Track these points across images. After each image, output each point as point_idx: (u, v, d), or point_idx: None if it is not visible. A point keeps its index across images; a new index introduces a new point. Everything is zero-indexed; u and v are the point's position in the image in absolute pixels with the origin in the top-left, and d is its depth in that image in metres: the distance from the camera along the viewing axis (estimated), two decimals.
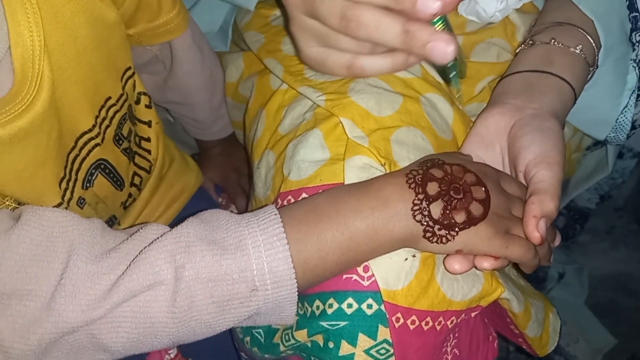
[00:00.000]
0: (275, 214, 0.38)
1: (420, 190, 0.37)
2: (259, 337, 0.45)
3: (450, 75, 0.40)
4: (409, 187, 0.37)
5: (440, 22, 0.37)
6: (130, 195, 0.56)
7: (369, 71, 0.40)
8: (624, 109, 0.54)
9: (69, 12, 0.40)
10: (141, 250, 0.36)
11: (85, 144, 0.46)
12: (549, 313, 0.52)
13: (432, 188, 0.38)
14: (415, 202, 0.37)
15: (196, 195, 0.68)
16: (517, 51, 0.50)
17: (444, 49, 0.36)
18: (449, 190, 0.38)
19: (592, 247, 1.24)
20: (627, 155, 0.98)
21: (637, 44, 0.52)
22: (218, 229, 0.38)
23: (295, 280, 0.37)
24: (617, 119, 0.55)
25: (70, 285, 0.35)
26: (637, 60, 0.52)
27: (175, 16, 0.56)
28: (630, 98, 0.53)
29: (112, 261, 0.36)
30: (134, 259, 0.36)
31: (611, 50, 0.49)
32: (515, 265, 0.44)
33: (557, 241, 0.44)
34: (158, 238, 0.37)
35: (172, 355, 0.66)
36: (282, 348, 0.43)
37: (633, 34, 0.51)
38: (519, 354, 1.11)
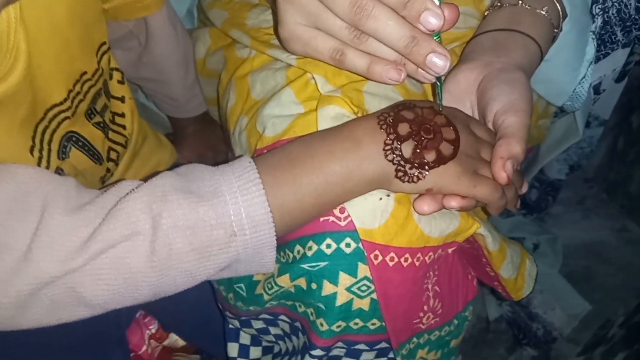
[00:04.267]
0: (250, 162, 0.39)
1: (392, 130, 0.38)
2: (241, 291, 0.45)
3: (437, 90, 0.41)
4: (381, 128, 0.39)
5: (437, 36, 0.38)
6: (108, 170, 0.56)
7: (348, 63, 0.41)
8: (581, 79, 0.56)
9: None
10: (117, 202, 0.37)
11: (55, 116, 0.47)
12: (526, 259, 0.54)
13: (403, 128, 0.39)
14: (387, 142, 0.38)
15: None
16: (486, 14, 0.51)
17: (442, 64, 0.37)
18: (420, 130, 0.39)
19: (565, 218, 1.28)
20: (594, 124, 1.01)
21: (596, 16, 0.54)
22: (193, 180, 0.38)
23: (273, 224, 0.37)
24: (575, 89, 0.57)
25: (46, 236, 0.35)
26: (595, 32, 0.54)
27: None
28: (587, 69, 0.56)
29: (88, 214, 0.36)
30: (110, 211, 0.36)
31: (576, 22, 0.51)
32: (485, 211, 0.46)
33: (524, 188, 0.46)
34: (133, 190, 0.37)
35: (154, 331, 0.67)
36: (265, 297, 0.44)
37: (593, 6, 0.54)
38: (499, 323, 1.14)
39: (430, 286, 0.45)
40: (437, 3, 0.36)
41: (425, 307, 0.45)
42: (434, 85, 0.42)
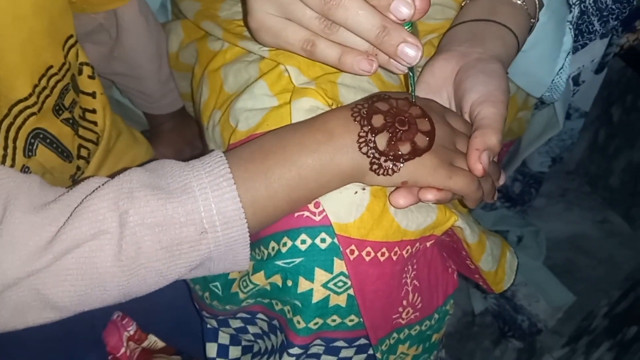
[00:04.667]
0: (221, 156, 0.38)
1: (366, 122, 0.38)
2: (217, 290, 0.44)
3: (410, 81, 0.40)
4: (354, 120, 0.38)
5: (408, 26, 0.37)
6: (79, 168, 0.55)
7: (319, 54, 0.40)
8: (559, 70, 0.56)
9: None
10: (83, 200, 0.35)
11: (21, 112, 0.45)
12: (506, 251, 0.53)
13: (378, 120, 0.38)
14: (361, 134, 0.37)
15: None
16: (463, 4, 0.51)
17: (414, 54, 0.37)
18: (394, 122, 0.38)
19: (548, 210, 1.28)
20: (574, 116, 1.01)
21: (573, 6, 0.54)
22: (162, 175, 0.37)
23: (246, 220, 0.36)
24: (553, 79, 0.57)
25: (8, 235, 0.34)
26: (573, 22, 0.54)
27: None
28: (565, 60, 0.56)
29: (52, 212, 0.35)
30: (75, 209, 0.35)
31: (553, 12, 0.51)
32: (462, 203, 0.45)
33: (502, 180, 0.45)
34: (99, 187, 0.36)
35: (132, 332, 0.65)
36: (241, 296, 0.42)
37: None
38: (484, 316, 1.14)
39: (409, 280, 0.44)
40: None
41: (405, 302, 0.45)
42: (406, 76, 0.41)
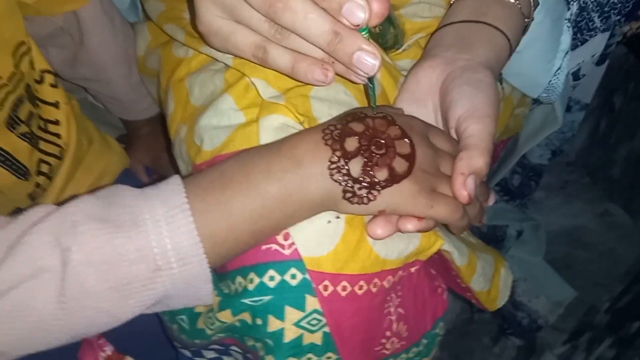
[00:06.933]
0: (178, 184, 0.34)
1: (338, 146, 0.34)
2: (183, 323, 0.41)
3: (370, 92, 0.36)
4: (325, 143, 0.34)
5: (365, 31, 0.33)
6: (38, 185, 0.51)
7: (271, 62, 0.36)
8: (557, 71, 0.52)
9: None
10: (22, 234, 0.32)
11: None
12: (500, 268, 0.50)
13: (351, 144, 0.34)
14: (332, 159, 0.33)
15: (120, 179, 0.63)
16: (451, 2, 0.47)
17: (371, 63, 0.32)
18: (370, 145, 0.34)
19: (547, 203, 1.25)
20: (575, 108, 0.98)
21: (572, 2, 0.50)
22: (113, 205, 0.33)
23: (205, 256, 0.33)
24: (550, 80, 0.53)
25: None
26: (571, 20, 0.50)
27: None
28: (563, 60, 0.52)
29: None
30: (11, 245, 0.32)
31: (549, 10, 0.47)
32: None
33: (491, 200, 0.42)
34: (41, 220, 0.32)
35: (109, 352, 0.62)
36: (208, 332, 0.39)
37: None
38: (483, 313, 1.12)
39: (392, 309, 0.41)
40: None
41: (388, 333, 0.41)
42: (367, 86, 0.37)
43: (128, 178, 0.66)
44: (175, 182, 0.34)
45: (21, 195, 0.49)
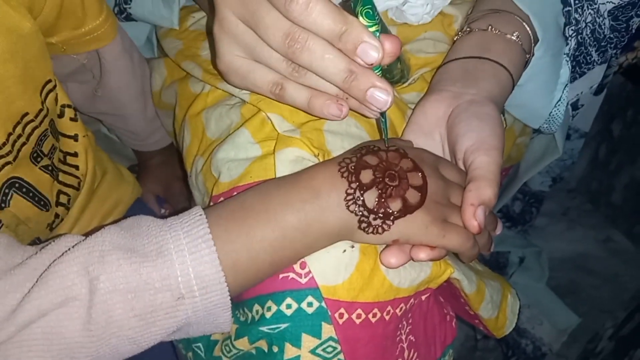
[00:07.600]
0: (201, 215, 0.35)
1: (354, 178, 0.35)
2: (199, 351, 0.42)
3: (382, 126, 0.38)
4: (342, 176, 0.36)
5: (378, 69, 0.35)
6: (57, 215, 0.52)
7: (288, 98, 0.38)
8: (557, 102, 0.54)
9: None
10: (50, 264, 0.33)
11: None
12: (507, 294, 0.51)
13: (366, 176, 0.36)
14: (349, 191, 0.35)
15: (133, 209, 0.64)
16: (455, 39, 0.49)
17: (384, 99, 0.34)
18: (384, 177, 0.36)
19: (550, 230, 1.26)
20: (574, 136, 0.99)
21: (570, 38, 0.52)
22: (138, 235, 0.35)
23: (226, 284, 0.34)
24: (551, 112, 0.55)
25: None
26: (569, 55, 0.52)
27: (102, 23, 0.53)
28: (563, 92, 0.54)
29: (17, 277, 0.33)
30: (42, 274, 0.33)
31: (549, 46, 0.49)
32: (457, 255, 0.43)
33: (499, 229, 0.43)
34: (69, 249, 0.34)
35: None
36: (224, 359, 0.40)
37: (566, 28, 0.51)
38: (487, 340, 1.12)
39: (404, 337, 0.42)
40: (377, 35, 0.33)
41: None
42: (379, 121, 0.39)
43: (140, 208, 0.67)
44: (197, 212, 0.36)
45: (42, 225, 0.50)
